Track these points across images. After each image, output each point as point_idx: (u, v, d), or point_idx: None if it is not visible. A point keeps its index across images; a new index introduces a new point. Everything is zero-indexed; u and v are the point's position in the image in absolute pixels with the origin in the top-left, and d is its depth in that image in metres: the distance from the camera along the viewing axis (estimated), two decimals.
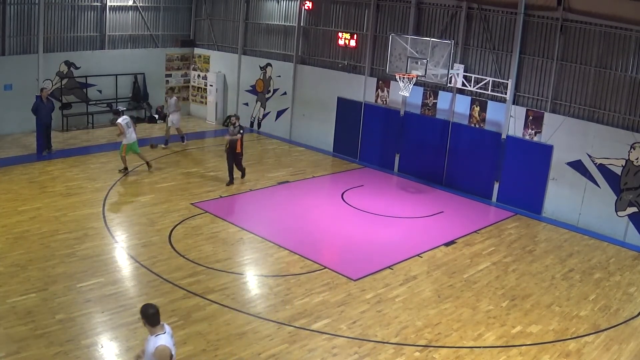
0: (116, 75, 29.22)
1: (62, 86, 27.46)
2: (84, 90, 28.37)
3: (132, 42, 30.30)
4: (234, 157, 20.91)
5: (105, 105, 29.10)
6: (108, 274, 13.86)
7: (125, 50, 29.93)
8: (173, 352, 7.80)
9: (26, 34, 26.54)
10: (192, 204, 18.82)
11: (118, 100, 29.36)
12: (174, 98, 26.07)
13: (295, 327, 12.21)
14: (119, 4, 29.32)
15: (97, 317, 11.90)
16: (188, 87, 32.82)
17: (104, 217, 17.32)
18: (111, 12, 29.09)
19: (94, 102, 28.72)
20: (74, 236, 15.76)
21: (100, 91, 28.87)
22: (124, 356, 10.76)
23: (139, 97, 30.28)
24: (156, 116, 30.61)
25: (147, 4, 30.47)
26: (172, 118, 25.59)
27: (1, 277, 13.39)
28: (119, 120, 21.50)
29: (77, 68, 27.89)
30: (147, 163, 22.13)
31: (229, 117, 21.82)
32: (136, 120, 29.49)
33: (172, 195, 19.51)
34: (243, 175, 21.65)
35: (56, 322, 11.57)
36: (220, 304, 12.78)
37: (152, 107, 30.83)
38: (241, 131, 20.77)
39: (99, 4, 28.63)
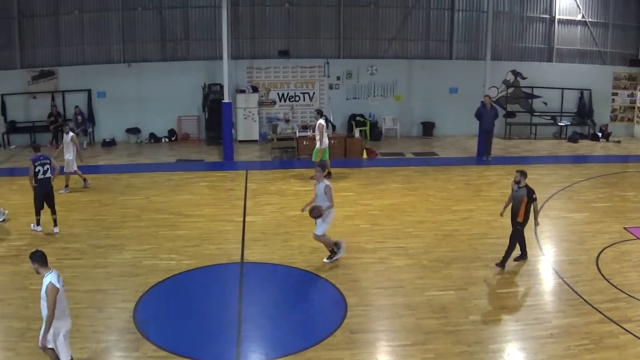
0: (562, 89, 28.71)
1: (508, 95, 27.93)
2: (529, 100, 28.48)
3: (579, 56, 29.55)
4: (514, 227, 14.45)
5: (549, 117, 28.84)
6: (529, 285, 13.64)
7: (573, 64, 29.33)
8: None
9: (474, 40, 27.57)
10: (625, 228, 17.51)
11: (562, 114, 28.92)
12: (70, 134, 20.49)
13: None
14: (568, 17, 28.80)
15: (509, 325, 11.73)
16: (634, 107, 30.80)
17: (536, 228, 16.88)
18: (560, 25, 28.73)
19: (539, 114, 28.64)
20: (501, 242, 15.72)
21: (545, 103, 28.76)
22: None
23: (583, 114, 29.47)
24: (599, 134, 29.34)
25: (596, 20, 29.43)
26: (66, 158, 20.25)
27: (424, 270, 14.10)
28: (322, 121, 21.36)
29: (523, 78, 28.17)
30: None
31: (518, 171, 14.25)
32: (579, 137, 28.73)
33: (607, 216, 18.35)
34: (524, 256, 14.87)
35: (468, 323, 11.70)
36: (635, 335, 11.66)
37: (596, 124, 29.64)
38: (534, 195, 13.96)
39: (547, 16, 28.49)
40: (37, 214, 16.53)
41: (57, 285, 8.87)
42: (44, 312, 8.93)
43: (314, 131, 22.38)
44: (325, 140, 21.53)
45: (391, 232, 16.59)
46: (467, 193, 19.91)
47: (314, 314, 12.38)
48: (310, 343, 10.92)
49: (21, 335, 10.79)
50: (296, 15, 28.56)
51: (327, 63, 28.60)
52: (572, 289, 13.32)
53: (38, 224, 16.58)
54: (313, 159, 21.48)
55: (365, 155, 25.11)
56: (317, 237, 14.33)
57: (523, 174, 14.07)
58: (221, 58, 24.06)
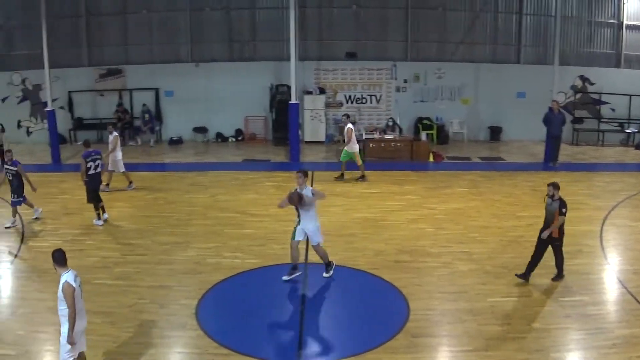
0: (630, 95, 28.16)
1: (575, 100, 27.59)
2: (597, 107, 28.05)
3: None
4: (544, 243, 13.66)
5: (617, 124, 28.35)
6: (593, 294, 13.42)
7: None
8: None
9: (542, 45, 27.35)
10: None
11: (630, 121, 28.35)
12: (114, 134, 21.19)
13: None
14: (636, 22, 28.25)
15: (572, 334, 11.63)
16: None
17: (601, 236, 16.84)
18: (628, 30, 28.21)
19: (606, 120, 28.19)
20: (566, 250, 15.47)
21: (613, 110, 28.25)
22: None
23: None
24: None
25: None
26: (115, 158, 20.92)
27: (487, 276, 14.06)
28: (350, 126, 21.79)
29: (591, 84, 27.78)
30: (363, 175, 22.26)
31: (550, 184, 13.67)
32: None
33: None
34: (528, 274, 13.80)
35: (531, 330, 11.64)
36: None
37: None
38: (564, 210, 13.31)
39: (615, 21, 28.05)
40: (96, 208, 17.27)
41: (73, 284, 9.06)
42: (60, 312, 9.17)
43: (340, 133, 23.65)
44: (355, 145, 21.92)
45: (456, 237, 16.60)
46: (533, 199, 19.71)
47: (376, 316, 12.44)
48: (372, 345, 11.03)
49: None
50: (363, 17, 28.73)
51: (395, 66, 28.67)
52: (636, 300, 13.13)
53: (99, 218, 17.24)
54: (341, 159, 22.35)
55: (431, 159, 25.13)
56: (316, 247, 13.85)
57: (556, 187, 13.55)
58: (288, 59, 24.35)
